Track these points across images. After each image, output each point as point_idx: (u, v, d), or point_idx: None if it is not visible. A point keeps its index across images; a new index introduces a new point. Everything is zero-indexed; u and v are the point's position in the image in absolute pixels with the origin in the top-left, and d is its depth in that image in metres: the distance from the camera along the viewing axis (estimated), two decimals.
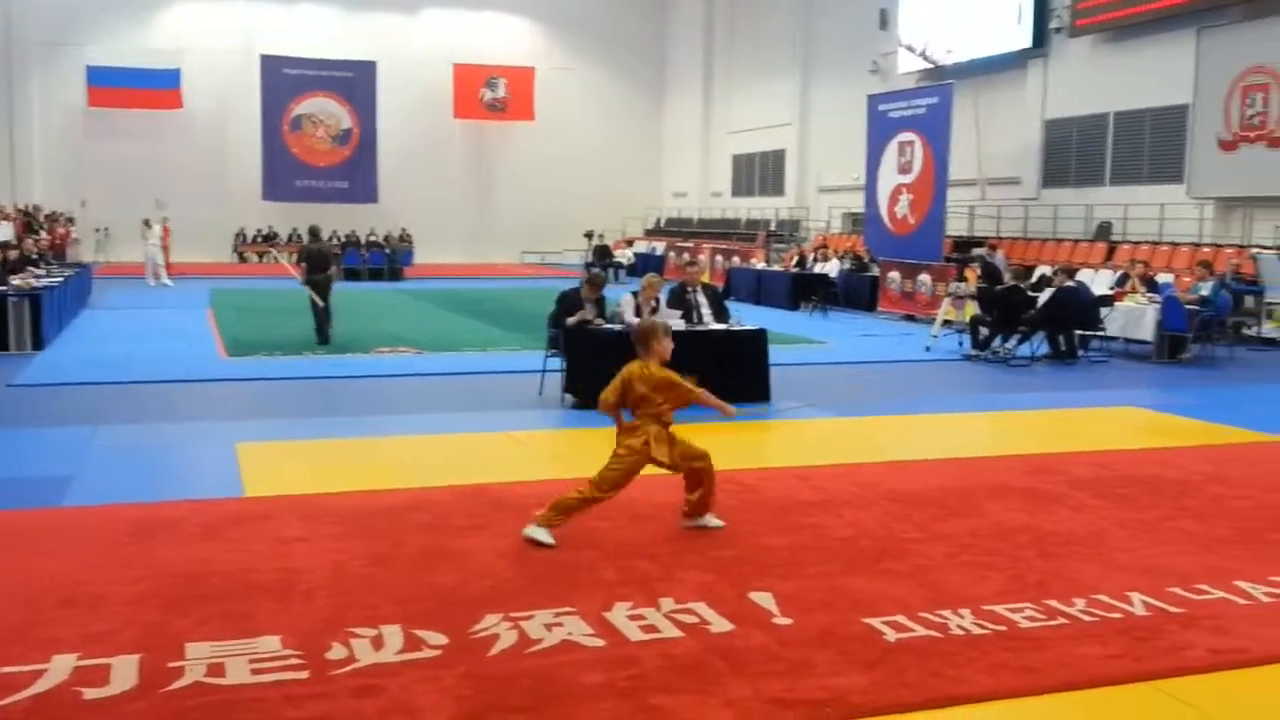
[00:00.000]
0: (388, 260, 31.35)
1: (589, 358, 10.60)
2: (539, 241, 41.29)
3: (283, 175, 38.83)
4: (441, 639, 4.54)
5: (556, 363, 10.94)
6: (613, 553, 5.78)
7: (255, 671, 4.22)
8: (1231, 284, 16.17)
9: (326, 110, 39.36)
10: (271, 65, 38.22)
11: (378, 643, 4.50)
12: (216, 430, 9.21)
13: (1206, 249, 19.30)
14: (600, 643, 4.54)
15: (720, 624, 4.77)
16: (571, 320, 10.79)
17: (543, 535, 5.92)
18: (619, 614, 4.86)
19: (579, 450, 9.09)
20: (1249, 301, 16.89)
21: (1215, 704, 4.16)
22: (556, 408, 10.53)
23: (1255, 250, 17.55)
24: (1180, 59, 20.97)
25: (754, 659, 4.40)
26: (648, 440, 6.18)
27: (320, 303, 15.37)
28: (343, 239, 35.16)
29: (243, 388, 11.88)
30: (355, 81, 39.20)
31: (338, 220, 38.34)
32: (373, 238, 35.70)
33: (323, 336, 15.28)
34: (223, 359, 13.83)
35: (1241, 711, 4.14)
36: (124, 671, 4.21)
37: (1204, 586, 5.38)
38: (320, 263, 15.88)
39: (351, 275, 30.28)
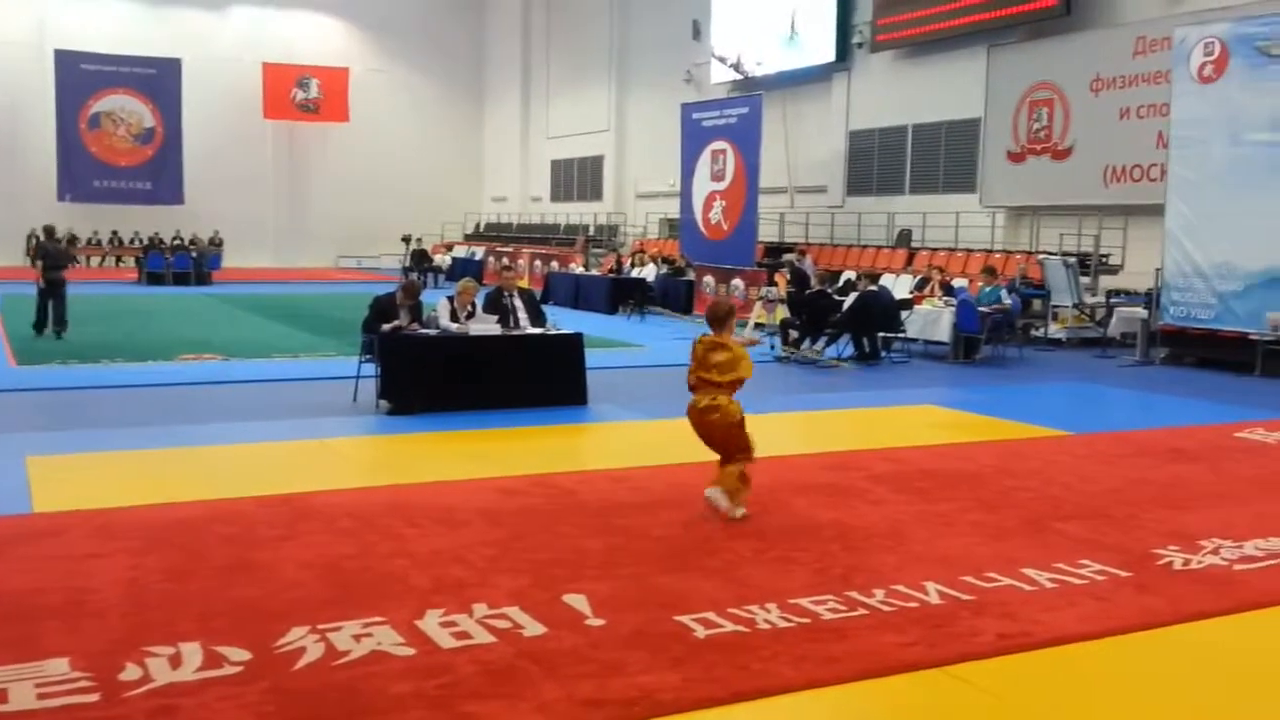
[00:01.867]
0: (194, 264, 30.17)
1: (404, 363, 10.47)
2: (355, 245, 40.46)
3: (80, 175, 36.93)
4: (244, 654, 4.40)
5: (371, 369, 10.75)
6: (425, 560, 5.72)
7: (41, 696, 4.01)
8: (1020, 288, 17.11)
9: (127, 108, 37.67)
10: (67, 60, 36.35)
11: (175, 661, 4.33)
12: (3, 444, 8.69)
13: (998, 255, 20.37)
14: (411, 651, 4.49)
15: (533, 627, 4.78)
16: (387, 327, 10.63)
17: (737, 510, 6.58)
18: (431, 622, 4.81)
19: (393, 457, 8.98)
20: (1036, 305, 17.91)
21: (1002, 686, 4.39)
22: (371, 414, 10.34)
23: (1042, 256, 18.61)
24: (973, 75, 22.11)
25: (566, 661, 4.43)
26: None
27: (45, 301, 15.67)
28: (145, 241, 33.68)
29: (35, 398, 11.27)
30: (158, 79, 37.61)
31: (142, 222, 36.84)
32: (177, 240, 34.31)
33: (40, 331, 15.60)
34: (12, 367, 13.07)
35: (1025, 692, 4.38)
36: None
37: (993, 574, 5.66)
38: (55, 261, 15.92)
39: (155, 280, 29.08)
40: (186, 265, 29.99)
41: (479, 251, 34.66)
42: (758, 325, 16.63)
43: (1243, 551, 6.16)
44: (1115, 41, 19.43)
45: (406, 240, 32.06)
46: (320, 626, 4.71)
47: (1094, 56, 19.81)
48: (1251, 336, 14.31)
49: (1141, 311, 16.18)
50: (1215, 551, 6.14)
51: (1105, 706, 4.28)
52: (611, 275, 23.98)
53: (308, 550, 5.85)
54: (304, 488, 7.26)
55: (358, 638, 4.60)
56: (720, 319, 6.89)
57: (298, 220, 40.68)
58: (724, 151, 23.74)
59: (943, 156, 23.70)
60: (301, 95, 39.89)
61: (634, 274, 23.81)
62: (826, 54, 26.06)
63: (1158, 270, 15.53)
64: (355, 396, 10.87)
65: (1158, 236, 15.58)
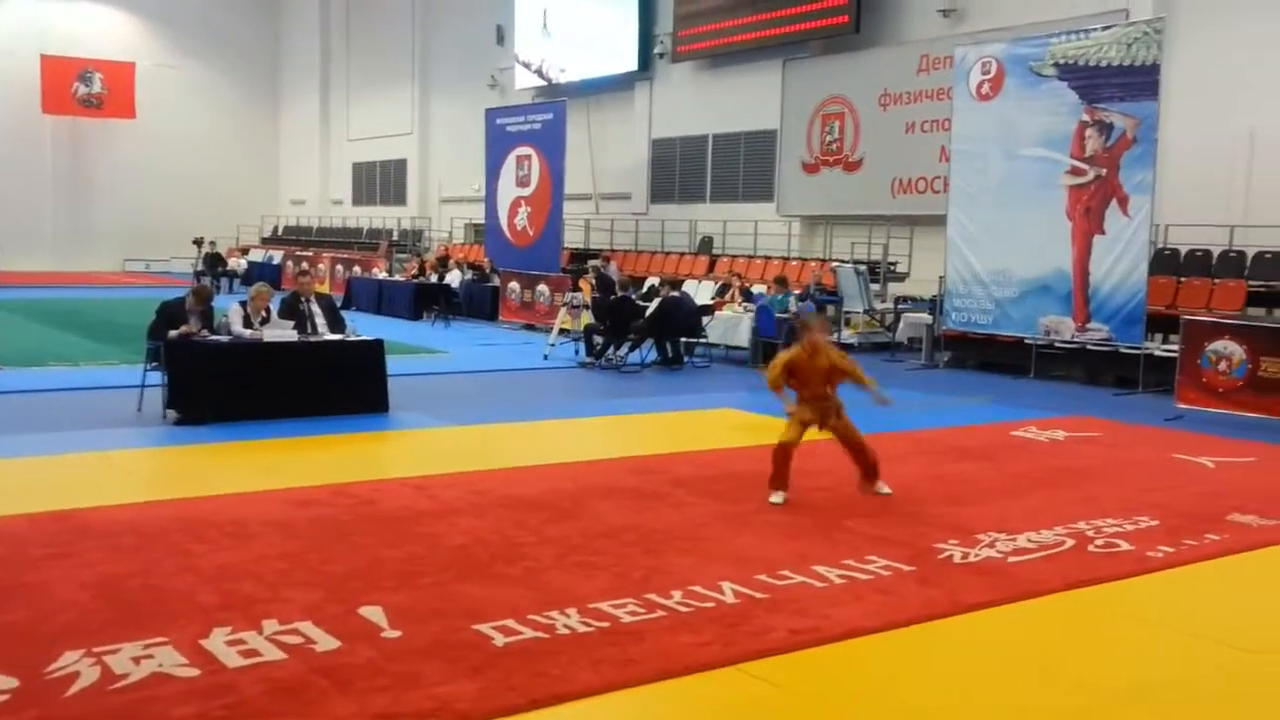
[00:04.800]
0: None
1: (193, 371, 10.07)
2: (144, 248, 38.60)
3: None
4: (11, 682, 4.14)
5: (158, 377, 10.29)
6: (213, 576, 5.50)
7: None
8: (815, 295, 17.69)
9: None
10: None
11: None
12: None
13: (794, 262, 21.03)
14: (194, 672, 4.31)
15: (327, 642, 4.66)
16: (175, 333, 10.20)
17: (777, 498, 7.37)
18: (217, 640, 4.63)
19: (180, 469, 8.60)
20: (830, 311, 18.54)
21: (793, 680, 4.53)
22: (157, 424, 9.90)
23: (835, 264, 19.29)
24: (769, 88, 22.76)
25: (360, 675, 4.33)
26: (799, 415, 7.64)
27: None
28: None
29: None
30: None
31: None
32: None
33: None
34: None
35: (815, 685, 4.53)
36: None
37: (786, 572, 5.83)
38: None
39: None
40: None
41: (276, 255, 33.59)
42: (562, 331, 16.74)
43: (1016, 544, 6.53)
44: (901, 59, 20.34)
45: (199, 243, 30.79)
46: (96, 649, 4.47)
47: (882, 73, 20.69)
48: (1026, 340, 15.19)
49: (927, 317, 16.95)
50: (991, 545, 6.50)
51: (889, 696, 4.46)
52: (415, 280, 23.63)
53: (85, 570, 5.54)
54: (82, 504, 6.88)
55: (137, 660, 4.40)
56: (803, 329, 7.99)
57: (81, 221, 38.55)
58: (529, 157, 23.76)
59: (742, 166, 24.32)
60: (84, 90, 37.86)
61: (433, 278, 23.51)
62: (629, 63, 26.38)
63: (941, 278, 16.30)
64: (140, 406, 10.40)
65: (941, 245, 16.35)
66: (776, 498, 7.42)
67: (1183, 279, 15.37)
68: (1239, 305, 14.53)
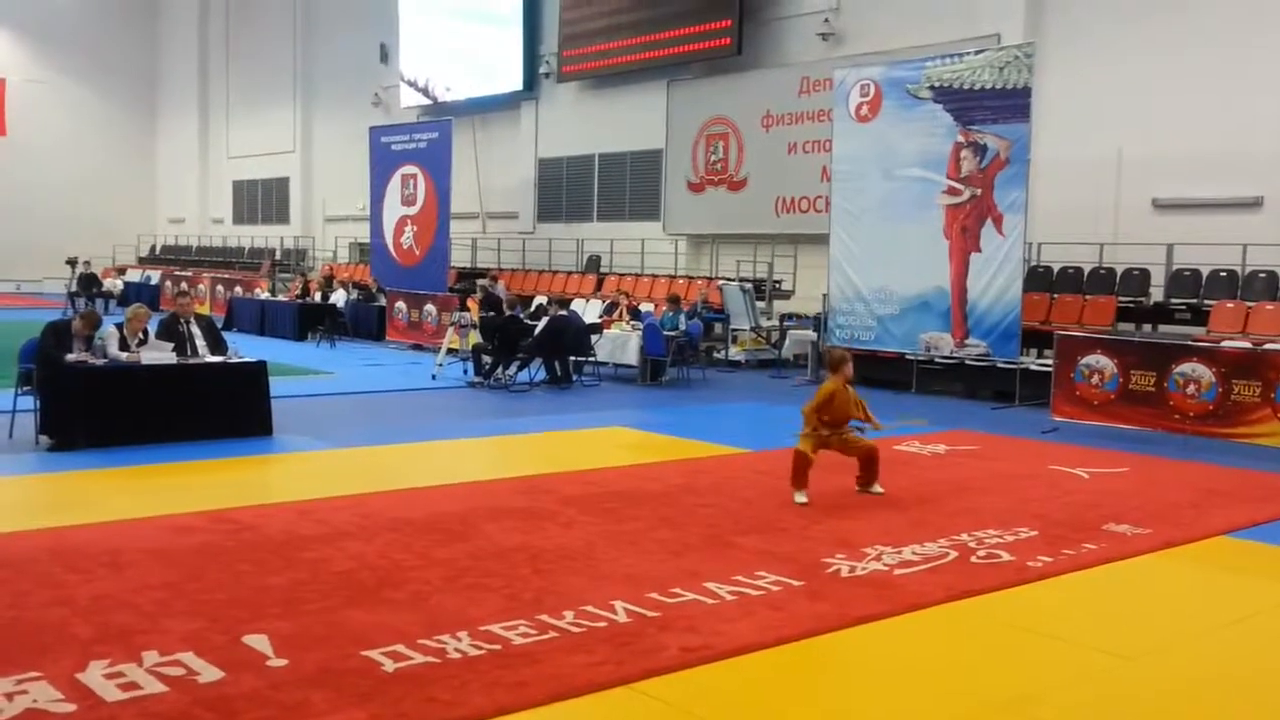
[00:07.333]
0: None
1: (67, 396, 9.73)
2: (15, 269, 37.19)
3: None
4: None
5: (30, 402, 9.91)
6: (88, 608, 5.31)
7: None
8: (702, 313, 17.87)
9: None
10: None
11: None
12: None
13: (681, 280, 21.21)
14: (71, 708, 4.15)
15: (210, 673, 4.54)
16: (72, 356, 9.86)
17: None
18: (94, 674, 4.47)
19: (53, 497, 8.29)
20: (717, 328, 18.76)
21: (685, 698, 4.54)
22: (29, 451, 9.54)
23: (721, 282, 19.51)
24: (654, 108, 22.99)
25: (244, 706, 4.22)
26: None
27: None
28: None
29: None
30: None
31: None
32: None
33: None
34: None
35: (706, 703, 4.54)
36: None
37: (678, 590, 5.85)
38: None
39: None
40: None
41: (154, 276, 32.66)
42: (450, 350, 16.59)
43: (901, 557, 6.66)
44: (783, 81, 20.72)
45: (72, 263, 29.75)
46: None
47: (764, 94, 21.05)
48: (908, 356, 15.56)
49: (811, 334, 17.24)
50: (878, 558, 6.62)
51: (782, 711, 4.50)
52: (300, 301, 23.20)
53: None
54: None
55: (10, 696, 4.22)
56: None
57: None
58: (415, 176, 23.51)
59: (628, 185, 24.48)
60: None
61: (318, 298, 23.11)
62: (514, 82, 26.39)
63: (824, 295, 16.59)
64: (11, 432, 10.01)
65: (824, 263, 16.65)
66: (800, 498, 8.03)
67: (1056, 295, 15.92)
68: (1109, 320, 15.09)
